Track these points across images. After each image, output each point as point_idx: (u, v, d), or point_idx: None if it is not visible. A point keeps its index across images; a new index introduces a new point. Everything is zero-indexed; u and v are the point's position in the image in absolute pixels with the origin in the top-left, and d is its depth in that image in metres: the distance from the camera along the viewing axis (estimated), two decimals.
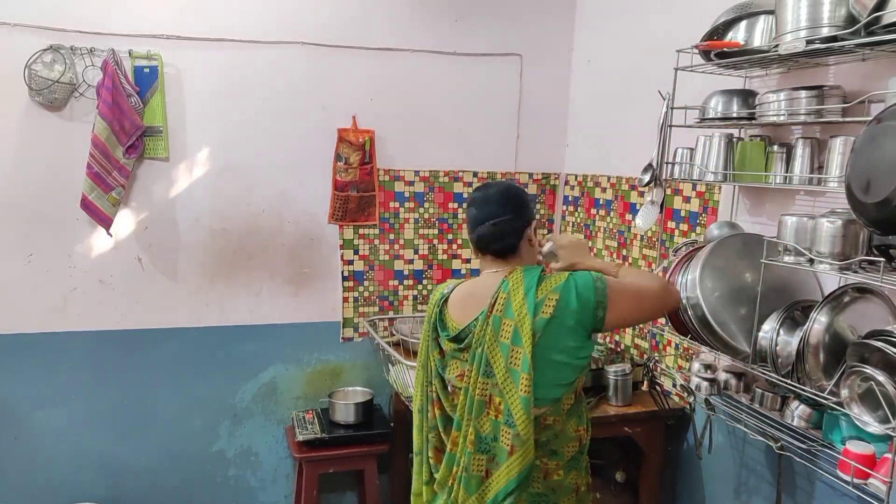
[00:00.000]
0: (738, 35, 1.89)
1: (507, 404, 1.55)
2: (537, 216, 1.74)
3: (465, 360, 1.63)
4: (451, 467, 1.65)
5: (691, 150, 2.11)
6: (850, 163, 1.50)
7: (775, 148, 1.91)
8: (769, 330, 1.75)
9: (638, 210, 2.15)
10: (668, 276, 2.06)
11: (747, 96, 1.96)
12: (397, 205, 3.12)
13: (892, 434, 1.44)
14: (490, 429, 1.58)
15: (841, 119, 1.72)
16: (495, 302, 1.60)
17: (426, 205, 3.15)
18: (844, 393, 1.53)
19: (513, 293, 1.58)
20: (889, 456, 1.47)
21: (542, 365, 1.54)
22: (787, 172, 1.86)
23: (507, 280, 1.61)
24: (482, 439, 1.58)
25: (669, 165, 2.15)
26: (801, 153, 1.82)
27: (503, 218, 1.66)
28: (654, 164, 2.13)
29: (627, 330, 2.84)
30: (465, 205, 1.74)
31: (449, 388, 1.69)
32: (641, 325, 2.75)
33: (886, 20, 1.45)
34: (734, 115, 1.96)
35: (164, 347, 2.91)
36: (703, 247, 2.00)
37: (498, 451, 1.57)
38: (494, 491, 1.57)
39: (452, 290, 1.75)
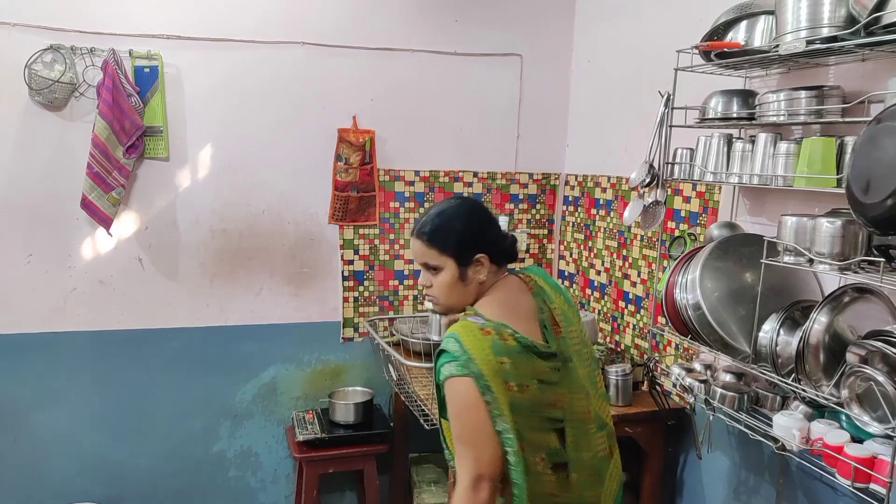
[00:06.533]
0: (738, 35, 1.88)
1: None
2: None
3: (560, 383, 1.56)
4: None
5: (691, 150, 2.11)
6: (850, 163, 1.50)
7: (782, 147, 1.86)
8: (769, 330, 1.75)
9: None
10: (667, 275, 2.06)
11: (747, 96, 1.96)
12: (397, 205, 3.12)
13: (892, 434, 1.44)
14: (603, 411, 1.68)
15: (841, 119, 1.71)
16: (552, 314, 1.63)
17: (426, 205, 3.15)
18: (844, 393, 1.53)
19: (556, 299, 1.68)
20: (886, 457, 1.47)
21: None
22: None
23: (541, 293, 1.67)
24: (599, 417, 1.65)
25: (669, 165, 2.15)
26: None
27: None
28: (655, 164, 2.14)
29: (627, 329, 2.85)
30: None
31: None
32: (642, 325, 2.75)
33: (886, 20, 1.45)
34: (734, 115, 1.96)
35: (164, 347, 2.91)
36: (703, 247, 2.01)
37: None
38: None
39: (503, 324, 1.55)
